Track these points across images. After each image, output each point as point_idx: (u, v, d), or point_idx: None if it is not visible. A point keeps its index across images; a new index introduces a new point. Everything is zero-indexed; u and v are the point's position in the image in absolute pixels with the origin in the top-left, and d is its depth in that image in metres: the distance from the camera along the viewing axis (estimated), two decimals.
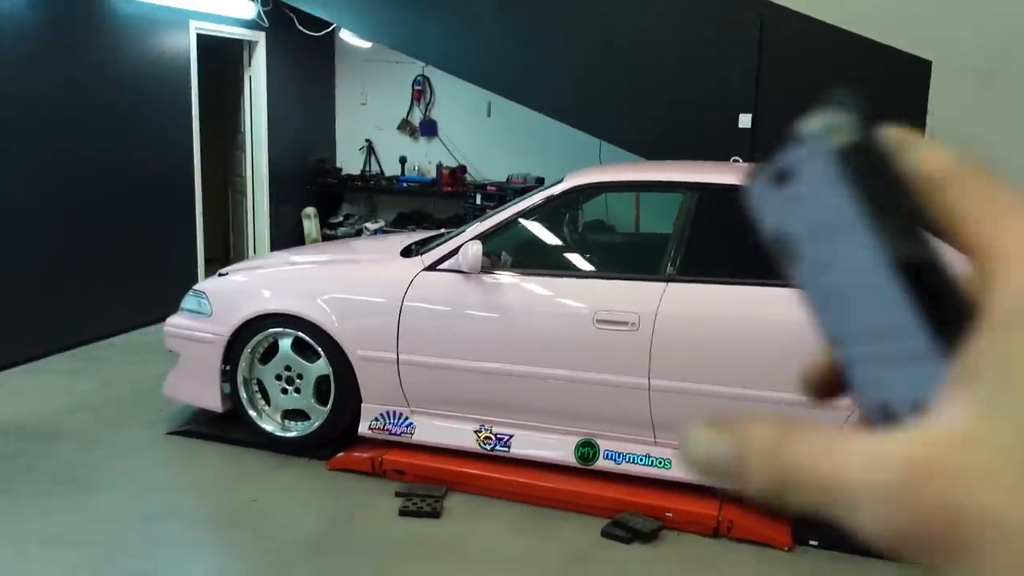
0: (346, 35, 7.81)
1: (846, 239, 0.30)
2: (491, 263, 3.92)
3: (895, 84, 5.74)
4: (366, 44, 7.94)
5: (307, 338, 4.10)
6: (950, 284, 0.29)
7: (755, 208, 0.33)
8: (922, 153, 0.31)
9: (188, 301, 4.39)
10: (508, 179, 7.83)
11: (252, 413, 4.24)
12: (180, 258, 6.71)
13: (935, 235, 0.30)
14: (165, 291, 6.36)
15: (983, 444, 0.25)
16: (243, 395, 4.24)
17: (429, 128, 8.39)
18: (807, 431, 0.29)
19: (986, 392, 0.26)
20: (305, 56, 8.09)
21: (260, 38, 7.43)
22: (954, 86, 6.27)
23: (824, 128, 0.31)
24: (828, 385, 0.34)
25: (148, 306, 6.20)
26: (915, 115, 5.64)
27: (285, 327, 4.13)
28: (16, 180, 5.31)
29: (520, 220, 4.05)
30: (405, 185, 8.33)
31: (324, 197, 8.53)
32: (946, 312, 0.28)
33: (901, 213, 0.30)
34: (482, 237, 3.93)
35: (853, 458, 0.27)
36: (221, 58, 7.47)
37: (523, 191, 7.32)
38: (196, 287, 4.46)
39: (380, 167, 8.66)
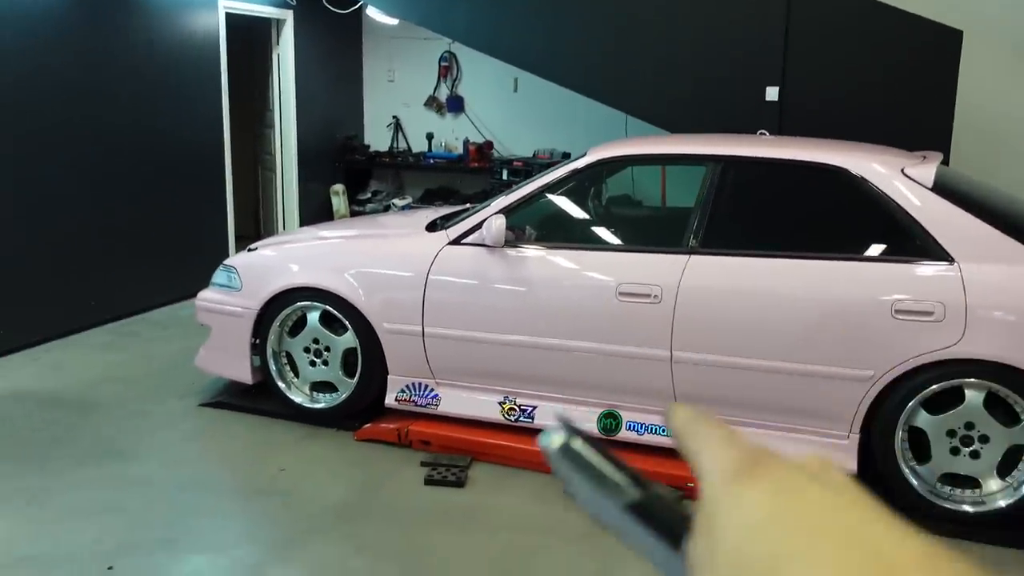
0: (373, 12, 7.84)
1: (601, 503, 0.43)
2: (515, 237, 3.95)
3: (925, 55, 5.65)
4: (393, 21, 7.96)
5: (335, 311, 4.17)
6: (670, 507, 0.41)
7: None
8: (672, 415, 0.44)
9: (219, 276, 4.47)
10: (534, 154, 7.85)
11: (281, 385, 4.33)
12: (211, 235, 6.82)
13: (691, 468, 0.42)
14: (197, 267, 6.48)
15: None
16: (272, 368, 4.33)
17: (456, 104, 8.42)
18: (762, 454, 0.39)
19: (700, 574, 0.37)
20: (332, 34, 8.14)
21: (288, 16, 7.49)
22: (985, 58, 6.18)
23: (547, 443, 0.45)
24: None
25: (180, 282, 6.31)
26: (945, 86, 5.57)
27: (313, 301, 4.20)
28: (49, 158, 5.41)
29: (544, 194, 4.07)
30: (432, 161, 8.37)
31: (352, 174, 8.60)
32: (674, 527, 0.40)
33: (615, 478, 0.42)
34: (505, 211, 3.96)
35: None
36: (249, 37, 7.54)
37: (549, 166, 7.33)
38: (226, 262, 4.54)
39: (407, 143, 8.70)
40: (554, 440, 0.44)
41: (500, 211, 3.96)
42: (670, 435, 0.43)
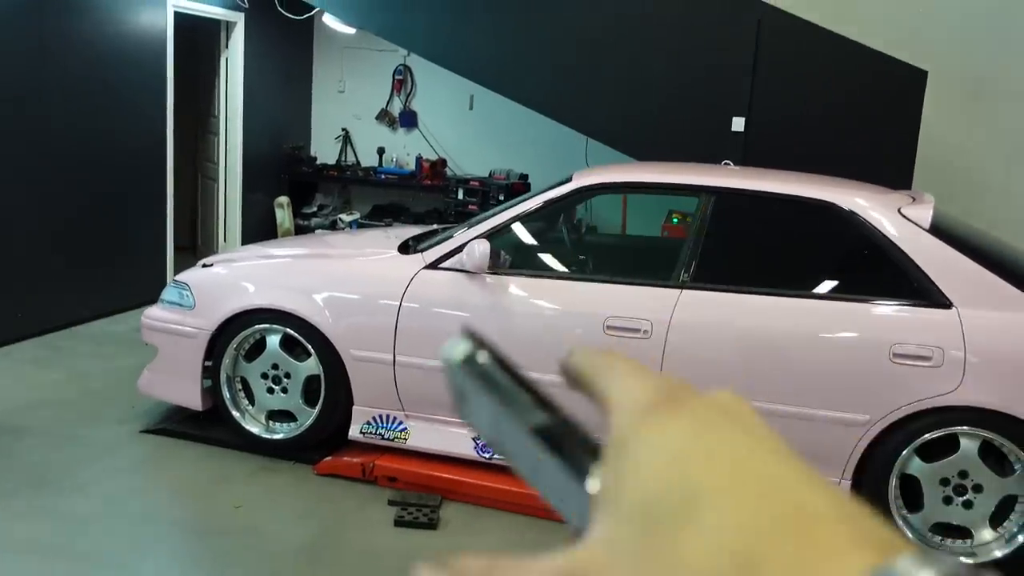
0: (329, 20, 7.56)
1: (503, 425, 0.38)
2: (491, 263, 3.75)
3: (891, 93, 5.67)
4: (350, 30, 7.70)
5: (297, 335, 3.89)
6: (579, 435, 0.37)
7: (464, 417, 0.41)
8: (572, 356, 0.39)
9: (169, 292, 4.15)
10: (491, 174, 7.65)
11: (235, 414, 4.02)
12: (149, 244, 6.43)
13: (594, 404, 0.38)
14: (133, 278, 6.11)
15: (610, 550, 0.32)
16: (226, 394, 4.02)
17: (409, 119, 8.18)
18: (510, 563, 0.34)
19: (606, 511, 0.33)
20: (283, 40, 7.82)
21: (239, 19, 7.16)
22: (947, 97, 6.24)
23: (450, 353, 0.39)
24: None
25: (115, 293, 5.93)
26: (909, 123, 5.59)
27: (274, 323, 3.92)
28: None
29: (526, 219, 3.88)
30: (383, 177, 8.10)
31: (298, 186, 8.27)
32: (581, 456, 0.36)
33: (522, 398, 0.38)
34: (488, 235, 3.75)
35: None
36: (195, 38, 7.18)
37: (508, 188, 7.17)
38: (178, 278, 4.22)
39: (356, 157, 8.42)
40: (458, 350, 0.39)
41: (483, 235, 3.75)
42: (566, 380, 0.39)
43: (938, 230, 3.46)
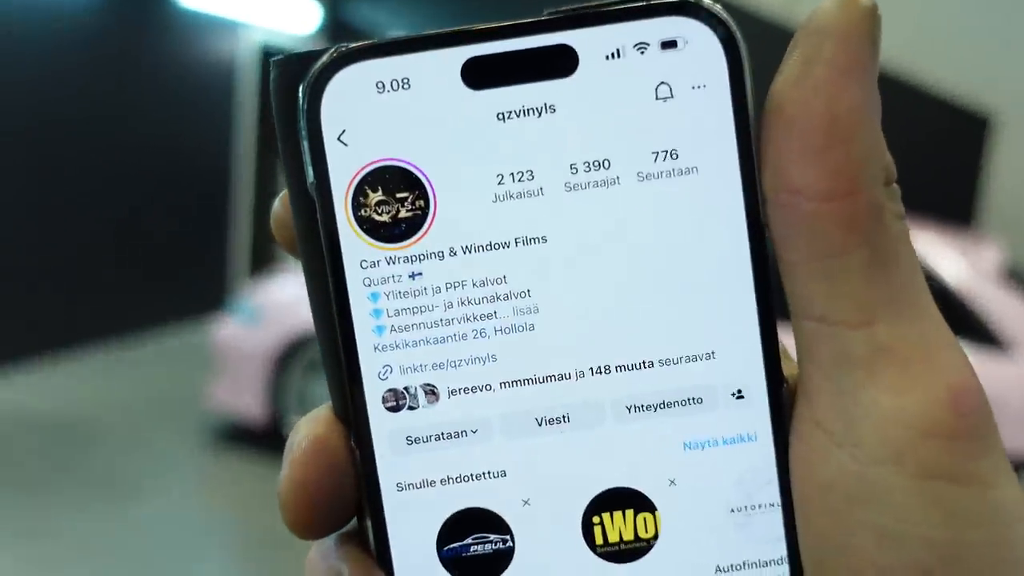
0: None
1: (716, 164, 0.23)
2: None
3: (949, 139, 5.66)
4: None
5: None
6: None
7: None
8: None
9: (240, 307, 4.28)
10: None
11: None
12: (221, 255, 6.62)
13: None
14: (208, 289, 6.30)
15: None
16: (294, 412, 4.13)
17: None
18: None
19: None
20: None
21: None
22: (1017, 145, 6.19)
23: None
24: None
25: (189, 302, 6.10)
26: (970, 172, 5.59)
27: None
28: (70, 172, 5.22)
29: None
30: None
31: None
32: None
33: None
34: None
35: None
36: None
37: None
38: (249, 292, 4.36)
39: None
40: None
41: None
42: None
43: (1003, 275, 3.48)
